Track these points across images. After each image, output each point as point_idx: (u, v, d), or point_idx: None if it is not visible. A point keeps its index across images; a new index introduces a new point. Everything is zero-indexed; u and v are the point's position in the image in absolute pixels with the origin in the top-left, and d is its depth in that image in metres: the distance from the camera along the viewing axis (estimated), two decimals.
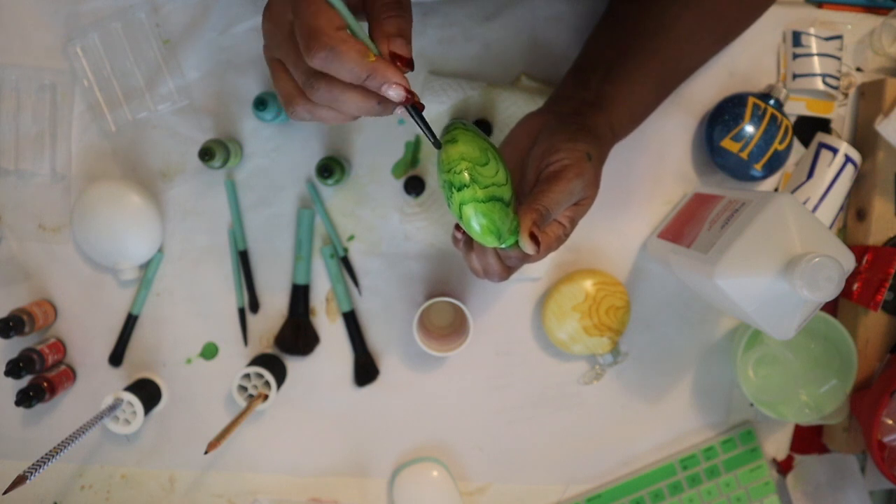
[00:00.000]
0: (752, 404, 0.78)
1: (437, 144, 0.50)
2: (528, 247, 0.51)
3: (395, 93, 0.44)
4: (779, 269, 0.55)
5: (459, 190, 0.49)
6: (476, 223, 0.50)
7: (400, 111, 0.46)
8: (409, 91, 0.44)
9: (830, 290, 0.53)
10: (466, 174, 0.49)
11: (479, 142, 0.50)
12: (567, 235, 0.56)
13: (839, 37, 0.74)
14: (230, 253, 0.76)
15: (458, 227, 0.56)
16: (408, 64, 0.45)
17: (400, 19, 0.45)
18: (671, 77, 0.66)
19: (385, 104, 0.45)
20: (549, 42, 0.74)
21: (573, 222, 0.56)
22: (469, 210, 0.49)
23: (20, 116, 0.74)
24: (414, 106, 0.46)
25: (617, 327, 0.74)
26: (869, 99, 0.74)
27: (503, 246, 0.52)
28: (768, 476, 0.79)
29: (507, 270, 0.57)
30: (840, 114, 0.76)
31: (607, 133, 0.60)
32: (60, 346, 0.77)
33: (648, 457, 0.80)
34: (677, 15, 0.62)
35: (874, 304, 0.72)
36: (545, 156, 0.56)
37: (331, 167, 0.70)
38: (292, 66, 0.44)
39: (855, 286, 0.73)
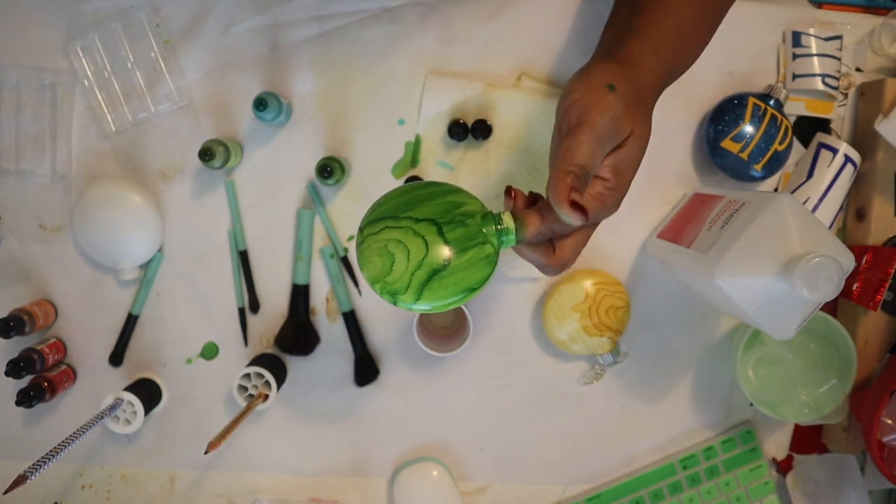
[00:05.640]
0: (751, 404, 0.78)
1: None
2: (573, 218, 0.44)
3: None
4: (779, 269, 0.56)
5: (397, 303, 0.48)
6: (444, 302, 0.47)
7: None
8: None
9: (830, 290, 0.53)
10: (387, 295, 0.47)
11: (381, 238, 0.47)
12: (616, 190, 0.48)
13: (839, 37, 0.74)
14: (230, 253, 0.76)
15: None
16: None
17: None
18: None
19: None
20: (549, 42, 0.74)
21: (617, 172, 0.48)
22: (423, 305, 0.47)
23: (20, 116, 0.74)
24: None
25: (617, 327, 0.74)
26: (868, 99, 0.74)
27: (509, 245, 0.49)
28: (768, 476, 0.79)
29: (558, 261, 0.50)
30: (840, 114, 0.76)
31: (647, 56, 0.51)
32: (61, 346, 0.77)
33: (648, 457, 0.80)
34: None
35: (874, 304, 0.72)
36: (561, 106, 0.48)
37: (331, 167, 0.70)
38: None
39: (855, 286, 0.73)
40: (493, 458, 0.79)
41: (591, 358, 0.78)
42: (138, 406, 0.73)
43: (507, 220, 0.48)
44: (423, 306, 0.47)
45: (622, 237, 0.76)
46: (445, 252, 0.47)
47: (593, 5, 0.74)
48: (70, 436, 0.65)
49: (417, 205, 0.48)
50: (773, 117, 0.71)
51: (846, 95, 0.76)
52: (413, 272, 0.47)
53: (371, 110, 0.74)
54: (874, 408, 0.70)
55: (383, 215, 0.48)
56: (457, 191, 0.49)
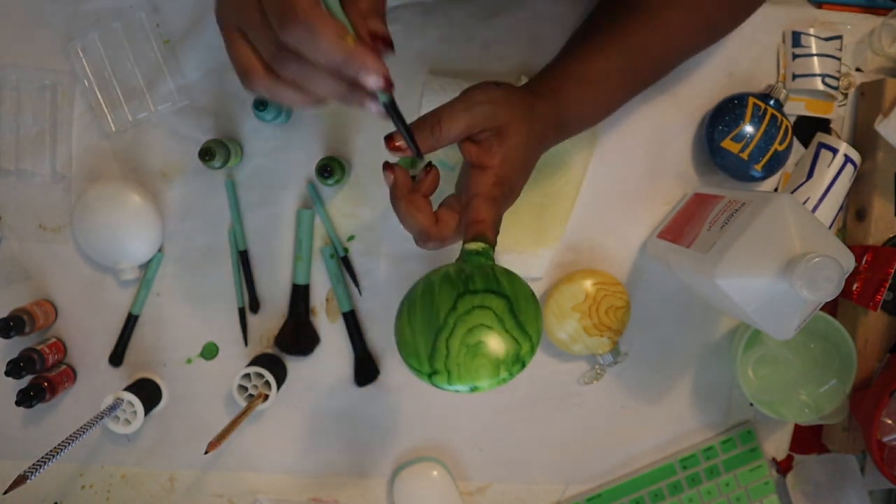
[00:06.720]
0: (751, 404, 0.78)
1: (417, 152, 0.49)
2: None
3: (373, 80, 0.40)
4: (779, 269, 0.56)
5: (527, 363, 0.48)
6: (539, 321, 0.49)
7: (374, 109, 0.43)
8: (388, 80, 0.40)
9: (830, 290, 0.53)
10: (517, 367, 0.48)
11: (457, 345, 0.47)
12: (446, 135, 0.51)
13: (839, 37, 0.74)
14: (230, 253, 0.76)
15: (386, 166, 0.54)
16: (387, 44, 0.42)
17: None
18: (639, 54, 0.61)
19: (357, 91, 0.41)
20: (549, 42, 0.74)
21: (467, 128, 0.51)
22: (536, 336, 0.48)
23: (20, 116, 0.74)
24: (391, 99, 0.43)
25: (617, 327, 0.74)
26: (868, 99, 0.74)
27: (492, 252, 0.51)
28: (768, 476, 0.79)
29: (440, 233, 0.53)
30: (840, 114, 0.76)
31: (546, 92, 0.57)
32: (61, 346, 0.77)
33: (648, 457, 0.80)
34: None
35: (874, 304, 0.72)
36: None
37: (331, 167, 0.70)
38: (257, 35, 0.40)
39: (855, 286, 0.73)
40: (493, 458, 0.79)
41: (591, 358, 0.78)
42: (138, 406, 0.73)
43: (474, 245, 0.50)
44: (537, 337, 0.48)
45: (622, 237, 0.77)
46: (495, 298, 0.47)
47: (592, 6, 0.73)
48: (70, 436, 0.65)
49: (434, 306, 0.48)
50: (773, 117, 0.71)
51: (846, 95, 0.76)
52: (505, 329, 0.46)
53: None
54: (874, 408, 0.70)
55: (432, 336, 0.47)
56: (429, 279, 0.50)
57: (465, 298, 0.47)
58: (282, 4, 0.37)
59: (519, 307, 0.47)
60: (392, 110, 0.44)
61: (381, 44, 0.42)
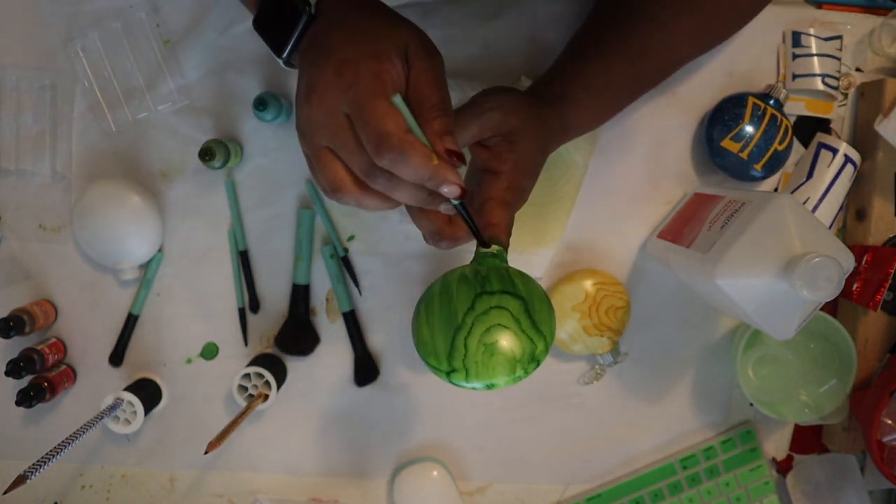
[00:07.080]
0: (751, 404, 0.78)
1: (484, 243, 0.51)
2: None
3: (450, 190, 0.46)
4: (779, 269, 0.56)
5: (541, 361, 0.50)
6: (553, 319, 0.50)
7: (444, 208, 0.49)
8: (463, 190, 0.46)
9: (830, 291, 0.53)
10: (533, 365, 0.49)
11: (473, 349, 0.48)
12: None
13: (839, 37, 0.74)
14: (230, 253, 0.76)
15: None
16: (461, 159, 0.47)
17: (447, 118, 0.47)
18: (642, 59, 0.63)
19: (436, 197, 0.48)
20: (549, 42, 0.74)
21: (482, 131, 0.53)
22: (550, 335, 0.50)
23: (20, 116, 0.74)
24: (462, 203, 0.48)
25: (617, 327, 0.74)
26: (868, 99, 0.74)
27: (504, 253, 0.52)
28: (768, 476, 0.79)
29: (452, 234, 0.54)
30: (840, 114, 0.76)
31: (552, 97, 0.59)
32: (61, 346, 0.77)
33: (648, 457, 0.80)
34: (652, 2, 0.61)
35: (874, 304, 0.72)
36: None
37: None
38: (349, 155, 0.46)
39: (855, 286, 0.73)
40: (493, 458, 0.79)
41: (591, 358, 0.78)
42: (138, 406, 0.73)
43: (492, 249, 0.52)
44: (551, 336, 0.50)
45: (622, 237, 0.76)
46: (511, 299, 0.49)
47: (592, 6, 0.74)
48: (70, 436, 0.65)
49: (452, 307, 0.49)
50: (773, 117, 0.71)
51: (846, 95, 0.76)
52: (521, 329, 0.48)
53: None
54: (874, 408, 0.70)
55: (450, 336, 0.48)
56: (445, 279, 0.51)
57: (483, 299, 0.48)
58: (377, 133, 0.43)
59: (534, 307, 0.49)
60: (462, 210, 0.49)
61: (457, 158, 0.47)
